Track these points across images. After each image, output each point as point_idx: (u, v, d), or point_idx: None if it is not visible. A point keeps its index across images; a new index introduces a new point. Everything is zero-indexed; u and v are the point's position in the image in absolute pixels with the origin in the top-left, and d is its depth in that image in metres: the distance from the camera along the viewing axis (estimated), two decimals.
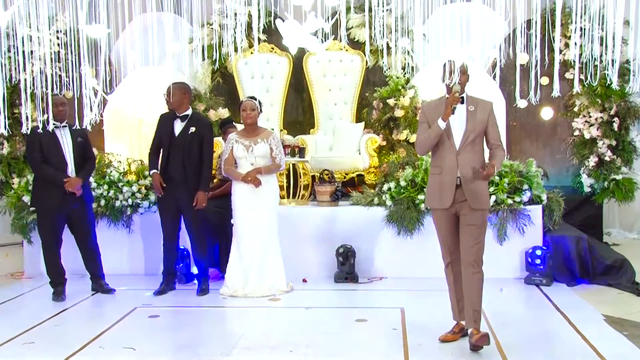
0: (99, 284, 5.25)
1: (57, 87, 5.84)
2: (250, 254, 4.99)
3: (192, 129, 5.06)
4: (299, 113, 7.74)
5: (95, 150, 6.17)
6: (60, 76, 6.47)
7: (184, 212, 5.13)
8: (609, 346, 3.69)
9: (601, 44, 4.63)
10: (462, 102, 3.66)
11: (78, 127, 4.42)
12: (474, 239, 3.62)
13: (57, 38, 6.93)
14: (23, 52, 4.41)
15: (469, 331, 3.65)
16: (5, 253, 7.06)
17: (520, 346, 3.74)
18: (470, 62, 3.57)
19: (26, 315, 4.64)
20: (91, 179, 5.77)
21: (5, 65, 4.64)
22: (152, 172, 5.10)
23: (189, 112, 5.15)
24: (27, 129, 4.25)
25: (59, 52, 6.91)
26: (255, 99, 5.09)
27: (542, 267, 5.26)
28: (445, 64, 3.68)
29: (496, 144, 3.70)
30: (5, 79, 5.03)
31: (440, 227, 3.79)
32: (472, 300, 3.62)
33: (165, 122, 5.15)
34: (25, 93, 4.34)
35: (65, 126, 5.04)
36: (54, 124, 4.97)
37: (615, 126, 6.80)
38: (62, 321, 4.50)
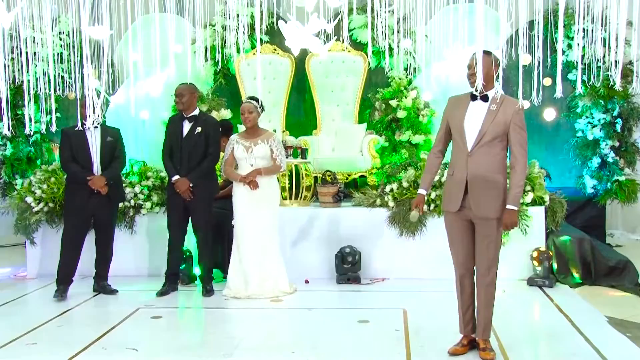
0: (102, 285, 5.26)
1: (60, 89, 5.86)
2: (248, 256, 4.98)
3: (199, 129, 5.09)
4: (301, 114, 7.73)
5: None
6: (63, 77, 6.49)
7: (192, 213, 5.14)
8: (611, 348, 3.67)
9: (604, 45, 4.63)
10: (486, 100, 3.41)
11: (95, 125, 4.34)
12: (487, 251, 3.45)
13: (60, 39, 6.96)
14: (26, 53, 4.46)
15: (477, 340, 3.60)
16: (8, 254, 7.08)
17: (522, 347, 3.73)
18: (497, 54, 3.40)
19: (29, 316, 4.65)
20: None
21: (8, 66, 4.66)
22: (174, 178, 5.04)
23: (196, 112, 5.19)
24: (31, 130, 4.27)
25: (61, 53, 6.94)
26: (256, 100, 5.07)
27: (544, 268, 5.25)
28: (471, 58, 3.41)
29: (516, 156, 3.38)
30: (9, 80, 5.05)
31: (451, 233, 3.58)
32: (483, 312, 3.54)
33: (175, 124, 5.19)
34: (29, 94, 4.35)
35: (97, 127, 5.05)
36: (83, 124, 5.00)
37: (618, 127, 6.79)
38: (65, 322, 4.50)
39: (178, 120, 5.18)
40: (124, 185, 5.87)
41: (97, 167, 5.08)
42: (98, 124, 4.84)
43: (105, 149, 5.11)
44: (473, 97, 3.46)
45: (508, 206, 3.38)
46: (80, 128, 4.87)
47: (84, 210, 5.05)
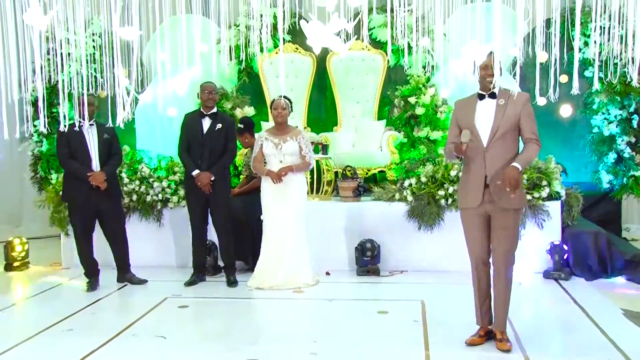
0: (127, 277, 5.43)
1: (92, 88, 6.06)
2: (278, 249, 5.11)
3: (219, 126, 5.26)
4: (322, 111, 7.83)
5: (127, 147, 6.41)
6: (95, 77, 6.71)
7: (211, 206, 5.29)
8: (627, 340, 3.70)
9: (621, 42, 4.66)
10: (493, 97, 3.53)
11: (108, 124, 4.53)
12: (505, 243, 3.51)
13: (93, 40, 7.17)
14: (61, 54, 4.63)
15: (493, 331, 3.67)
16: (43, 245, 7.35)
17: (538, 339, 3.78)
18: (497, 56, 3.51)
19: (64, 304, 4.85)
20: (123, 175, 5.99)
21: (44, 66, 4.86)
22: (195, 173, 5.17)
23: (215, 110, 5.35)
24: (65, 127, 4.45)
25: (94, 54, 7.16)
26: (287, 98, 5.22)
27: (560, 262, 5.30)
28: (474, 61, 3.56)
29: (530, 138, 3.47)
30: (45, 80, 5.25)
31: (469, 228, 3.62)
32: (500, 304, 3.59)
33: (193, 121, 5.32)
34: (63, 93, 4.53)
35: (93, 124, 5.21)
36: (80, 121, 5.17)
37: (635, 123, 6.78)
38: (98, 310, 4.70)
39: (197, 117, 5.31)
40: (151, 180, 6.06)
41: (95, 163, 5.21)
42: (129, 120, 5.00)
43: (102, 146, 5.25)
44: (480, 97, 3.57)
45: (513, 164, 3.38)
46: (80, 126, 4.98)
47: (87, 204, 5.19)
